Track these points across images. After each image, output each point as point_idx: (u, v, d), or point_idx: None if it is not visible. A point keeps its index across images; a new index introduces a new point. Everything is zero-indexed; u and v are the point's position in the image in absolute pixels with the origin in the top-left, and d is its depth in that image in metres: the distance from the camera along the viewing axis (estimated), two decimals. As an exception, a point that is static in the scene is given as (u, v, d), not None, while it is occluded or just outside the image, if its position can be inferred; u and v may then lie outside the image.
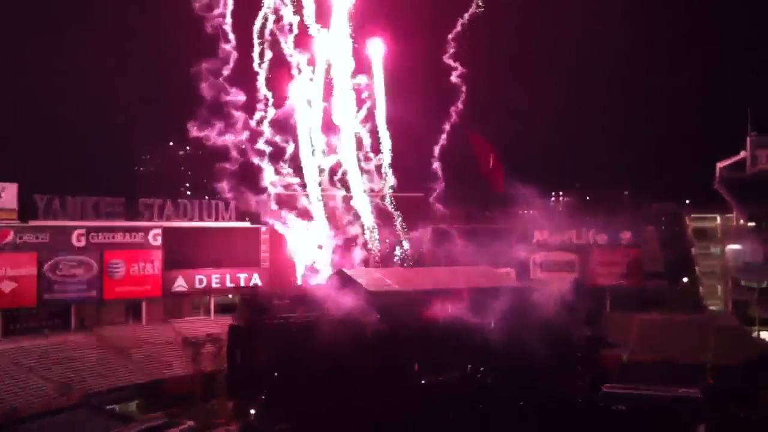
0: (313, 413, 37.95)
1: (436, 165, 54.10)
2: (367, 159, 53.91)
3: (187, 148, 52.52)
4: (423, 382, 41.60)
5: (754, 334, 51.51)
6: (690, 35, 65.22)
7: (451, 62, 52.83)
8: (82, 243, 49.48)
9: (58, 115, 52.51)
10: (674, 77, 64.76)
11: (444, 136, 53.76)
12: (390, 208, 54.72)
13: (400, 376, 39.86)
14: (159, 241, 52.02)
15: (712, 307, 56.23)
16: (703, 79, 65.45)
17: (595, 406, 41.68)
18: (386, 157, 53.90)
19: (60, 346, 46.17)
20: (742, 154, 59.41)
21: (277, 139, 51.86)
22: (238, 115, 50.68)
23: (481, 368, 42.95)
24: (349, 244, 53.14)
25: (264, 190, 52.30)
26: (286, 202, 52.87)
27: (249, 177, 51.70)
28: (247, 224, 55.07)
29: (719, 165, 60.34)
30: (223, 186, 51.80)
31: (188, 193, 55.32)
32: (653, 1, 65.11)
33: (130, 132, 49.67)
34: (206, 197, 56.11)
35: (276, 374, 41.54)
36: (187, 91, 49.57)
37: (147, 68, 49.40)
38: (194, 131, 49.80)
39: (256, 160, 51.25)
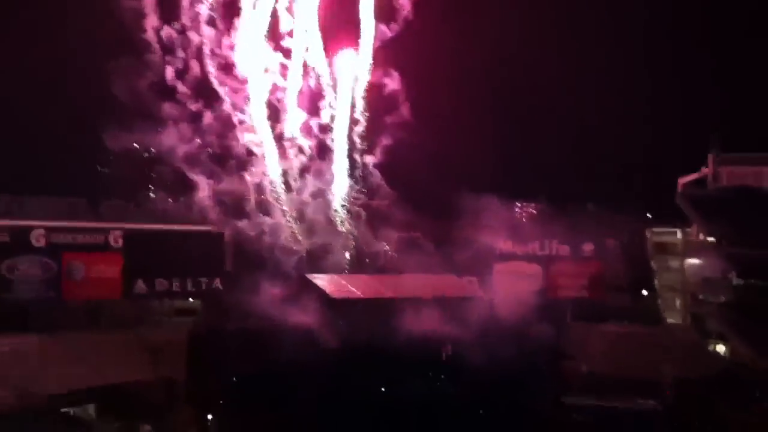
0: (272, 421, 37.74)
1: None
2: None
3: (152, 150, 51.55)
4: (384, 391, 41.54)
5: (711, 348, 52.25)
6: (655, 46, 65.79)
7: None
8: (42, 243, 48.69)
9: (19, 112, 51.43)
10: (638, 91, 65.33)
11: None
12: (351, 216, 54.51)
13: (360, 386, 39.73)
14: (120, 243, 51.33)
15: (670, 321, 57.10)
16: (667, 94, 66.10)
17: (555, 417, 41.99)
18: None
19: (16, 348, 45.20)
20: (704, 170, 60.33)
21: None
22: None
23: (443, 378, 43.00)
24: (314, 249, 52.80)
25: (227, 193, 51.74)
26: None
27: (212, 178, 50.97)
28: (209, 228, 54.44)
29: (681, 180, 61.24)
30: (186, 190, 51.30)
31: (152, 195, 54.43)
32: (620, 16, 65.34)
33: (94, 133, 48.71)
34: (170, 200, 55.42)
35: (235, 381, 41.24)
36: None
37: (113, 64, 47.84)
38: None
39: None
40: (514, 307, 47.45)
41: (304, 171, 52.68)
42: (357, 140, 53.29)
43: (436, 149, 56.24)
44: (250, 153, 50.98)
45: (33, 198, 49.55)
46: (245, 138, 50.52)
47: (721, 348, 52.26)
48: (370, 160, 53.42)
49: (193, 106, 48.99)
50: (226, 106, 50.16)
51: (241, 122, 50.55)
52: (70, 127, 49.87)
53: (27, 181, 51.07)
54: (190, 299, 53.33)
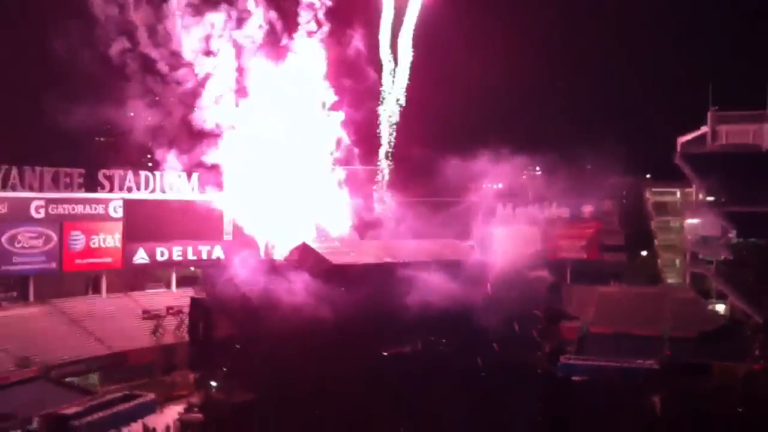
0: (273, 386, 38.09)
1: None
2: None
3: (149, 118, 51.29)
4: (384, 354, 41.86)
5: (711, 307, 52.45)
6: (654, 7, 65.14)
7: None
8: (41, 214, 48.80)
9: (14, 82, 51.30)
10: (636, 50, 64.85)
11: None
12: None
13: (359, 349, 39.99)
14: (120, 213, 51.57)
15: (670, 280, 57.21)
16: (666, 52, 65.60)
17: (554, 376, 42.36)
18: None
19: (18, 318, 45.63)
20: (703, 129, 60.13)
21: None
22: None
23: (442, 339, 43.29)
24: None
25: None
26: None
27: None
28: (210, 196, 54.41)
29: (680, 139, 61.10)
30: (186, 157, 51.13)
31: (150, 165, 54.40)
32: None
33: (91, 102, 48.44)
34: (167, 168, 55.25)
35: (237, 347, 41.55)
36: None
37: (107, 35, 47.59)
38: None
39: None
40: (513, 269, 47.62)
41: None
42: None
43: (435, 105, 56.22)
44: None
45: (31, 168, 49.38)
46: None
47: (720, 307, 52.40)
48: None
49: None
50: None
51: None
52: (66, 95, 49.42)
53: (26, 152, 50.84)
54: (191, 268, 53.67)
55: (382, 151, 55.85)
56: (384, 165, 56.11)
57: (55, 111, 47.47)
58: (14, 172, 48.40)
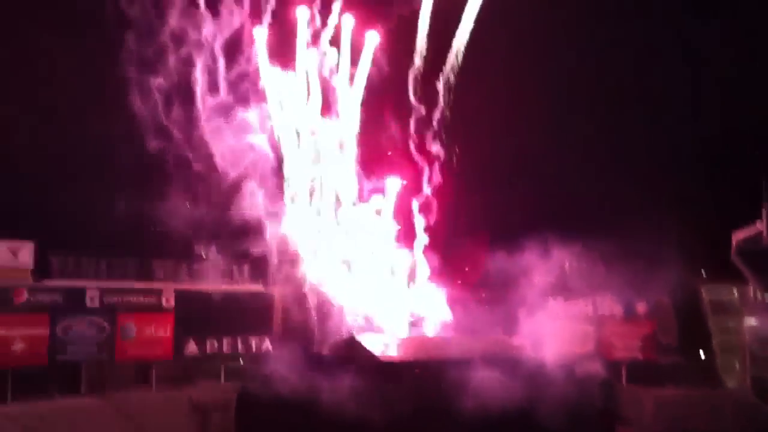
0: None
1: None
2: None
3: (208, 209, 52.54)
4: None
5: (773, 411, 50.50)
6: (706, 102, 64.93)
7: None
8: (96, 304, 49.38)
9: (74, 174, 52.92)
10: (690, 146, 64.42)
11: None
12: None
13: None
14: (172, 303, 51.97)
15: (729, 383, 55.37)
16: (720, 148, 65.08)
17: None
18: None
19: (69, 409, 45.72)
20: (759, 225, 59.01)
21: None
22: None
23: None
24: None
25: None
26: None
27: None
28: (260, 287, 54.87)
29: (735, 236, 59.92)
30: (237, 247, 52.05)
31: (203, 254, 55.20)
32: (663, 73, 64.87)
33: (148, 192, 49.89)
34: (221, 258, 56.04)
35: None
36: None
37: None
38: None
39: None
40: (566, 368, 46.66)
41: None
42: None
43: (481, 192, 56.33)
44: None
45: (86, 257, 50.42)
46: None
47: (783, 411, 50.47)
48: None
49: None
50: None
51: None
52: (120, 185, 50.96)
53: (80, 240, 51.98)
54: (240, 360, 53.58)
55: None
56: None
57: (105, 200, 49.23)
58: (71, 260, 49.58)
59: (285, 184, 52.85)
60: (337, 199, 54.13)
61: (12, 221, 48.57)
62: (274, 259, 52.95)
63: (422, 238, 54.77)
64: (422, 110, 54.00)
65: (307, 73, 53.61)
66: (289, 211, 52.42)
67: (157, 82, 49.00)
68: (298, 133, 53.95)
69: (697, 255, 59.08)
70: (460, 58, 53.88)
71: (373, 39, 53.88)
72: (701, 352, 56.50)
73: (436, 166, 54.80)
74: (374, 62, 53.81)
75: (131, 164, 50.69)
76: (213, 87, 51.11)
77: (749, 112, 63.35)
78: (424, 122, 54.24)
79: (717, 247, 60.57)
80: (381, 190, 55.02)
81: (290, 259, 52.81)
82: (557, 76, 61.30)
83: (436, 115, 54.11)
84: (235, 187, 50.64)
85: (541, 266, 53.71)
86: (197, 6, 50.00)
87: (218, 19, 50.67)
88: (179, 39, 49.71)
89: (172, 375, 52.31)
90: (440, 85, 53.89)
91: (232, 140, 50.50)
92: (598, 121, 61.23)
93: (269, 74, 52.42)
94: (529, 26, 56.63)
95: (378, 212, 54.35)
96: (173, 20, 49.16)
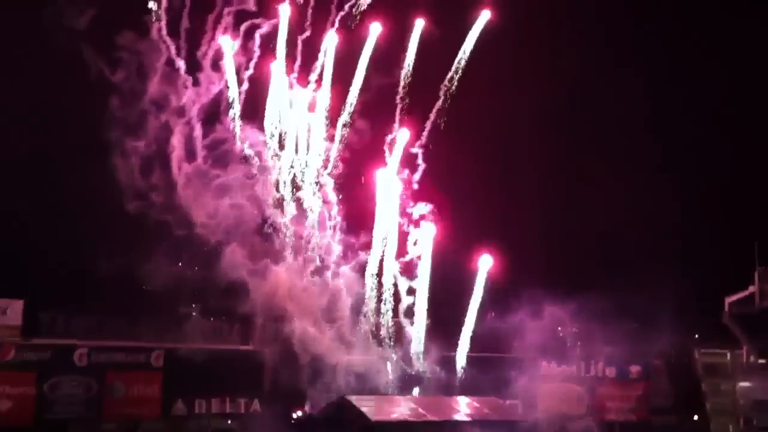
0: None
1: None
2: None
3: (196, 268, 52.46)
4: None
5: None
6: (697, 169, 65.80)
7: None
8: (84, 362, 48.82)
9: (61, 231, 53.02)
10: (680, 211, 64.92)
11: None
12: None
13: None
14: (161, 363, 51.34)
15: (723, 446, 55.03)
16: (710, 212, 65.55)
17: None
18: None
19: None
20: (751, 288, 59.22)
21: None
22: None
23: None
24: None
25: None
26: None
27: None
28: (249, 347, 54.34)
29: (728, 299, 60.02)
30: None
31: (193, 314, 54.87)
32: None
33: (135, 252, 49.86)
34: (211, 318, 55.74)
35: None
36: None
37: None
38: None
39: None
40: (559, 428, 46.28)
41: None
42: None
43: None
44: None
45: (75, 316, 50.15)
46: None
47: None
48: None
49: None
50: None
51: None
52: (110, 242, 50.97)
53: (69, 299, 51.77)
54: (228, 421, 52.78)
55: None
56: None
57: (93, 260, 49.25)
58: (60, 318, 49.26)
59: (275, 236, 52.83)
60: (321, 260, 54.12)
61: (1, 279, 48.58)
62: (259, 318, 52.66)
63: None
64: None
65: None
66: (274, 269, 52.36)
67: (139, 145, 49.72)
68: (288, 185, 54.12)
69: (691, 318, 59.20)
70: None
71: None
72: (695, 414, 56.23)
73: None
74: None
75: (118, 225, 50.79)
76: (192, 153, 51.63)
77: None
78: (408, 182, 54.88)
79: (710, 311, 60.86)
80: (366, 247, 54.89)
81: (277, 316, 52.39)
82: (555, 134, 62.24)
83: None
84: (220, 248, 50.87)
85: (534, 327, 53.59)
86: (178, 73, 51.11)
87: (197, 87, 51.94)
88: (161, 105, 50.81)
89: (159, 434, 51.55)
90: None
91: (214, 202, 50.90)
92: (595, 180, 61.77)
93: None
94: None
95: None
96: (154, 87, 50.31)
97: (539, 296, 50.92)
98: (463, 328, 53.85)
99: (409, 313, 53.87)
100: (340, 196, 53.90)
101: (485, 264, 53.02)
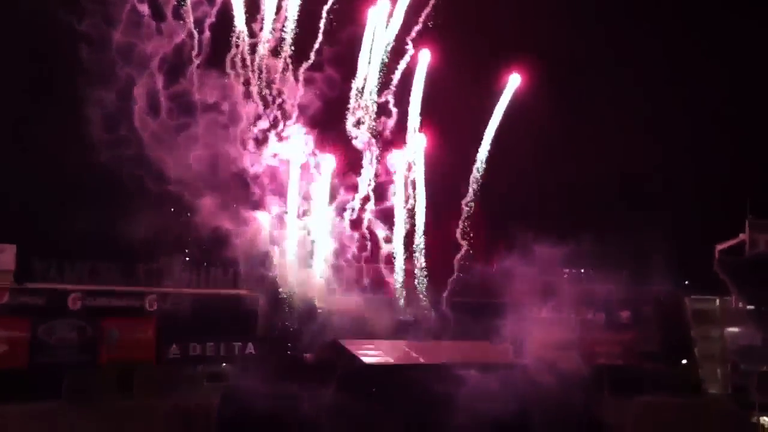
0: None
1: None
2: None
3: (188, 214, 52.44)
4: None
5: (754, 419, 50.84)
6: (689, 115, 65.65)
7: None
8: (78, 306, 49.11)
9: (55, 174, 52.83)
10: (672, 159, 64.97)
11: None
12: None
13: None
14: (155, 307, 51.65)
15: (711, 391, 55.70)
16: (703, 161, 65.64)
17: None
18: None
19: (50, 415, 45.15)
20: (741, 237, 59.63)
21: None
22: None
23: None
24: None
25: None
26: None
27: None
28: (243, 292, 54.59)
29: (718, 247, 60.48)
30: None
31: (187, 258, 55.03)
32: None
33: (131, 195, 49.83)
34: (205, 263, 55.93)
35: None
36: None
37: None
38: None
39: None
40: (549, 375, 46.77)
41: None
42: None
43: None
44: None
45: (69, 262, 50.26)
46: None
47: (765, 419, 50.82)
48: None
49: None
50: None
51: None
52: (104, 189, 50.88)
53: (63, 245, 51.81)
54: (223, 364, 53.31)
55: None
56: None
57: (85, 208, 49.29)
58: (53, 263, 49.36)
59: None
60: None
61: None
62: (243, 264, 52.90)
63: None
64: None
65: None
66: (254, 215, 52.49)
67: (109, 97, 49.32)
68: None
69: (681, 266, 59.64)
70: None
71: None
72: (683, 360, 56.90)
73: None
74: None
75: (108, 175, 50.53)
76: (157, 105, 51.37)
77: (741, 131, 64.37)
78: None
79: (700, 259, 61.32)
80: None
81: (260, 262, 52.56)
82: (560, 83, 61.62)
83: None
84: (198, 198, 50.99)
85: (524, 272, 53.89)
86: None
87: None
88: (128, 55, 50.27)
89: (154, 379, 51.87)
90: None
91: (186, 153, 50.75)
92: (589, 128, 61.57)
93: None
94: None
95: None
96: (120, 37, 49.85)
97: (530, 241, 51.11)
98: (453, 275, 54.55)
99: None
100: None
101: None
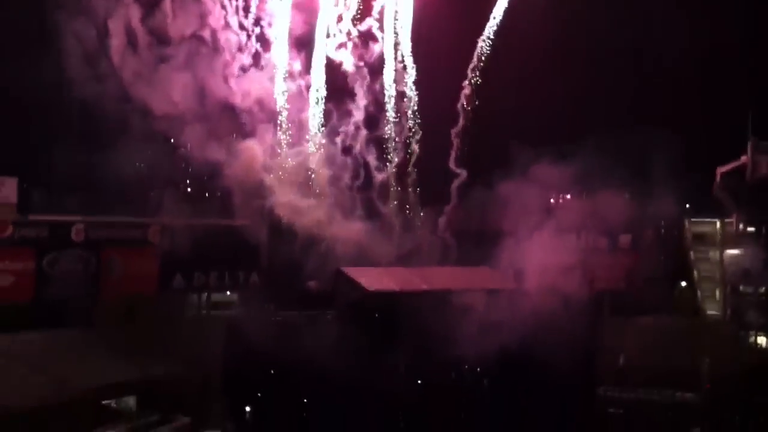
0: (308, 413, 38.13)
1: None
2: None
3: (180, 148, 52.20)
4: (419, 382, 41.68)
5: (752, 340, 51.54)
6: (691, 37, 64.27)
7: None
8: (81, 238, 49.24)
9: (55, 104, 52.29)
10: (674, 78, 63.94)
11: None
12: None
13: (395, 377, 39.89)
14: (158, 238, 51.80)
15: (710, 312, 56.37)
16: (704, 81, 64.57)
17: (591, 410, 41.83)
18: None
19: (56, 342, 45.88)
20: (743, 159, 59.32)
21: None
22: None
23: (478, 370, 43.04)
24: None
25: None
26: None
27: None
28: (245, 221, 54.59)
29: (719, 170, 60.23)
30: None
31: (189, 189, 54.96)
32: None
33: (120, 131, 49.37)
34: (206, 194, 55.86)
35: (272, 373, 41.64)
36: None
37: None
38: None
39: None
40: (549, 299, 47.14)
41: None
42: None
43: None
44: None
45: (69, 192, 50.23)
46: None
47: (762, 340, 51.54)
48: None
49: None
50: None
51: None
52: (102, 119, 50.31)
53: (62, 176, 51.64)
54: (227, 292, 53.82)
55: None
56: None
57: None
58: (55, 195, 49.33)
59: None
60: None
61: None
62: (239, 194, 52.84)
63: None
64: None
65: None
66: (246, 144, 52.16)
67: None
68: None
69: (681, 188, 59.51)
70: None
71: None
72: (683, 282, 57.43)
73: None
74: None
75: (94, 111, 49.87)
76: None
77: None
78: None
79: (701, 181, 61.10)
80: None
81: (256, 191, 52.42)
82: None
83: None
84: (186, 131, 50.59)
85: (523, 196, 53.69)
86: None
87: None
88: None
89: (159, 309, 52.37)
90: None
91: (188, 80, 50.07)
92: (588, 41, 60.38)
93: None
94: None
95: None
96: None
97: (529, 162, 50.59)
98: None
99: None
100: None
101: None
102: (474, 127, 56.71)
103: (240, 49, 52.04)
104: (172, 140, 50.84)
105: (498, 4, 55.46)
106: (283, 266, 52.31)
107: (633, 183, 53.43)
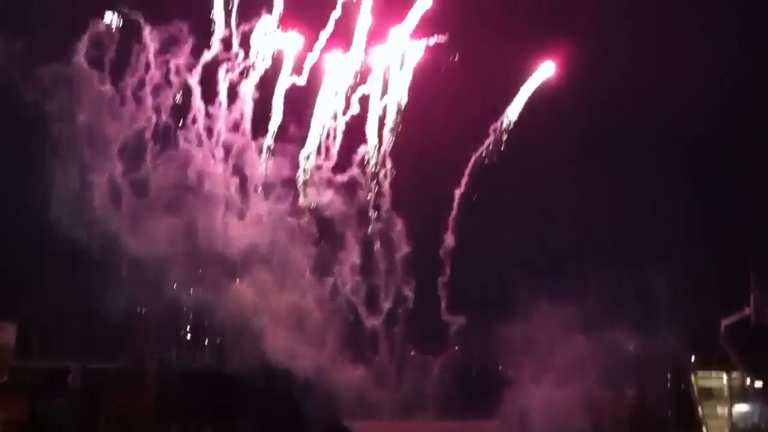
0: None
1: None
2: None
3: (191, 290, 52.63)
4: None
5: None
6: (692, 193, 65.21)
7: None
8: (78, 384, 48.67)
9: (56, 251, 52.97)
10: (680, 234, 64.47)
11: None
12: None
13: None
14: (153, 383, 51.07)
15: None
16: (707, 234, 65.01)
17: None
18: None
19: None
20: (747, 311, 59.09)
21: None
22: None
23: None
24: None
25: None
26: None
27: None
28: (238, 369, 53.59)
29: (724, 322, 59.80)
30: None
31: (188, 337, 54.98)
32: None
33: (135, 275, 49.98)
34: (204, 339, 55.65)
35: None
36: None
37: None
38: None
39: None
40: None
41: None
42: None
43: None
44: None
45: (71, 338, 50.25)
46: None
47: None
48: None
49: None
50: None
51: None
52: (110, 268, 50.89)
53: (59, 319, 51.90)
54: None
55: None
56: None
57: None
58: (54, 341, 49.35)
59: None
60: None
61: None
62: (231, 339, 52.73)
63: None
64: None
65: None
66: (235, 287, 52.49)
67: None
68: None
69: (686, 340, 59.03)
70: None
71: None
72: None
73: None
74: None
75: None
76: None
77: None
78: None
79: (705, 333, 60.57)
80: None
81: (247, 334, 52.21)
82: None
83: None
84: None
85: (528, 346, 53.30)
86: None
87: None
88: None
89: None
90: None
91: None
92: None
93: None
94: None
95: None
96: None
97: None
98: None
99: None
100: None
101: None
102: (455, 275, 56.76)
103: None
104: (159, 281, 51.44)
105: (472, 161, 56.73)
106: (280, 415, 51.41)
107: (639, 334, 53.36)
